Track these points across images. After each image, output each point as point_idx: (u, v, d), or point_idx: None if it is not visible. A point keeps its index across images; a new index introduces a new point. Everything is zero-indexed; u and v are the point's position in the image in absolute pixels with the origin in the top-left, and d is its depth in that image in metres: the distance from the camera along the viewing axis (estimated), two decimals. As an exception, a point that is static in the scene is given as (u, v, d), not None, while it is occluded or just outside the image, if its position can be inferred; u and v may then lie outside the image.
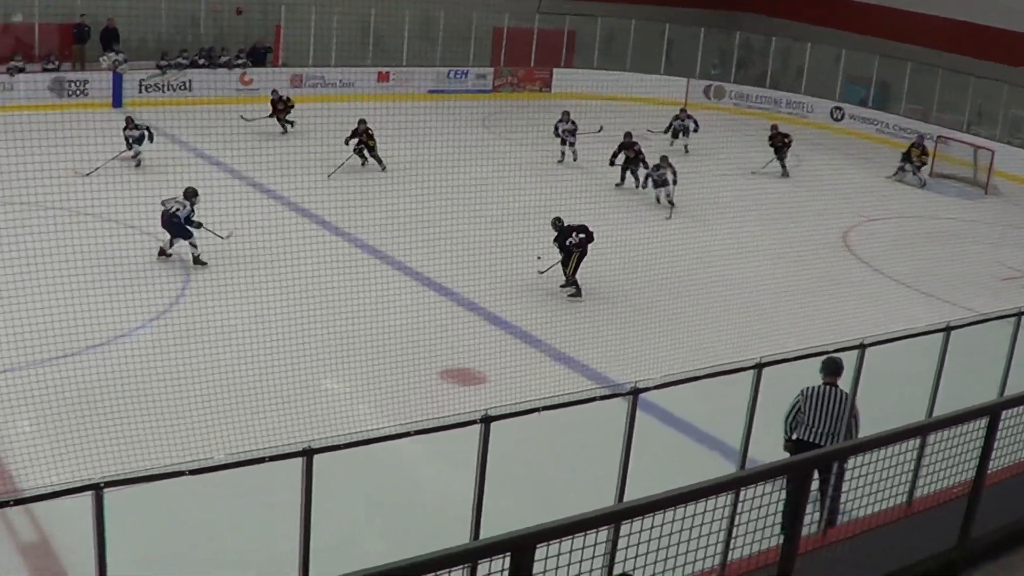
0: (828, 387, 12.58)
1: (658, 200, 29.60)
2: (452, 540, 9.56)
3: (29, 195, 22.73)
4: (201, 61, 42.07)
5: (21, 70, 38.44)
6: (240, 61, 42.62)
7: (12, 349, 16.87)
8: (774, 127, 35.17)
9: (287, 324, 18.41)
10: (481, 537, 9.82)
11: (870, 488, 8.52)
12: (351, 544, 12.46)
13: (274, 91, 37.30)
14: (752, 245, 26.04)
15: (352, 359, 17.93)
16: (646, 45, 47.85)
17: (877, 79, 45.24)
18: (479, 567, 5.56)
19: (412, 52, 44.95)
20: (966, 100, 42.74)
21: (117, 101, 38.96)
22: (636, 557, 6.89)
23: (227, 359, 16.91)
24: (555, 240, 22.30)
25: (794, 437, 12.67)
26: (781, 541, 7.34)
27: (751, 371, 10.68)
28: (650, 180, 29.84)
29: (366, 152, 31.33)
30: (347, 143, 30.59)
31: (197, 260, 22.08)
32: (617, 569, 7.27)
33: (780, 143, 34.30)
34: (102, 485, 8.23)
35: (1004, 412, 8.66)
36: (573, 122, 34.06)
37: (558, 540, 5.29)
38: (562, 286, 22.32)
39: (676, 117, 38.13)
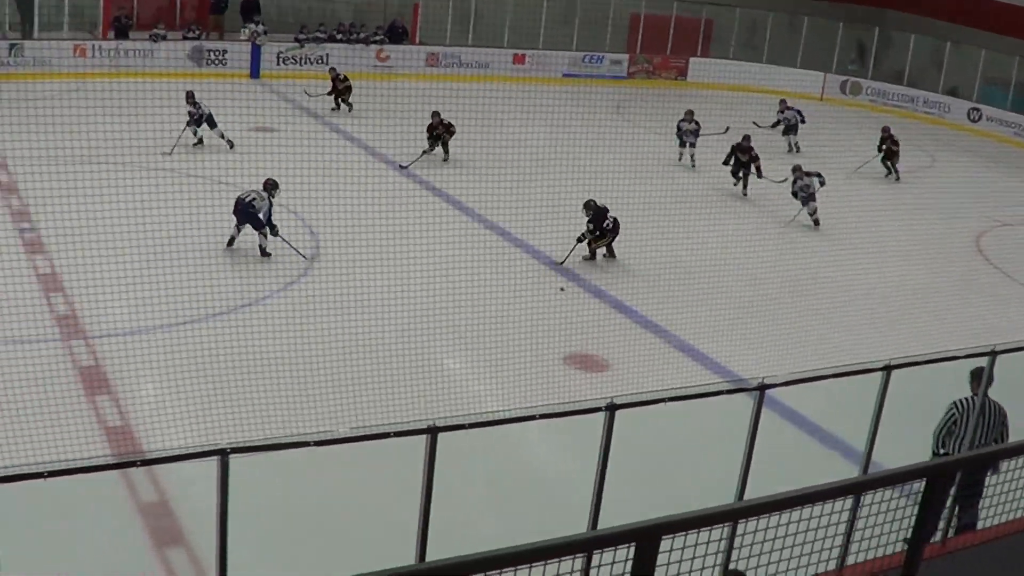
0: (983, 399, 12.27)
1: (795, 217, 26.81)
2: (568, 527, 9.58)
3: (167, 162, 23.13)
4: (339, 36, 42.44)
5: (163, 38, 39.01)
6: (377, 38, 42.90)
7: (142, 313, 17.18)
8: (885, 129, 33.81)
9: (414, 302, 18.48)
10: (599, 526, 9.82)
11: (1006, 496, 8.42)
12: (469, 524, 12.47)
13: (332, 68, 36.72)
14: (882, 246, 25.68)
15: (477, 340, 18.00)
16: (783, 37, 47.35)
17: (1017, 81, 44.25)
18: (595, 556, 5.55)
19: (549, 35, 44.92)
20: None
21: (255, 72, 39.44)
22: (751, 556, 6.85)
23: (351, 333, 17.03)
24: (590, 221, 22.38)
25: (942, 451, 12.36)
26: (903, 548, 7.24)
27: (879, 373, 10.56)
28: (798, 195, 26.75)
29: (439, 143, 29.75)
30: (431, 149, 29.44)
31: (263, 251, 21.34)
32: (730, 566, 7.24)
33: (889, 147, 33.24)
34: (228, 451, 8.32)
35: None
36: (696, 122, 32.03)
37: (683, 533, 5.28)
38: (585, 258, 22.56)
39: (781, 111, 36.05)
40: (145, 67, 36.56)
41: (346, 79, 35.24)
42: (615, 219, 22.36)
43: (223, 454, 8.32)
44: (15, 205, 23.01)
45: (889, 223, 27.25)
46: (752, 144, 29.24)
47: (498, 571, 4.68)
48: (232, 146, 28.27)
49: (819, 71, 46.50)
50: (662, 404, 9.76)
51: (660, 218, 22.31)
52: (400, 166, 28.11)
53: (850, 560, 8.54)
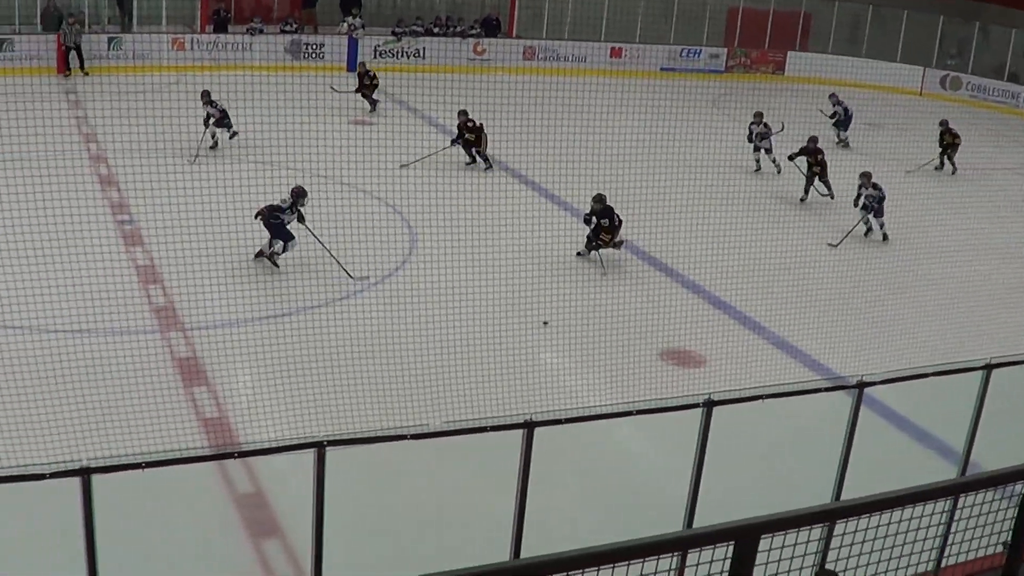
0: None
1: (868, 230, 25.28)
2: (662, 523, 9.55)
3: (265, 154, 23.29)
4: (435, 29, 42.58)
5: (260, 31, 39.36)
6: (474, 31, 43.02)
7: (239, 305, 17.33)
8: (943, 123, 32.59)
9: (511, 295, 18.49)
10: (695, 523, 9.79)
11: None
12: (564, 518, 12.47)
13: (362, 64, 35.24)
14: (978, 243, 25.32)
15: (574, 334, 17.97)
16: (883, 31, 46.84)
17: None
18: (690, 555, 5.52)
19: (646, 29, 44.79)
20: None
21: (351, 65, 39.63)
22: (849, 557, 6.76)
23: (447, 326, 17.08)
24: (600, 216, 21.46)
25: None
26: (1003, 550, 7.14)
27: (979, 372, 10.43)
28: (861, 205, 25.15)
29: (473, 149, 28.23)
30: (454, 143, 27.96)
31: (273, 258, 19.95)
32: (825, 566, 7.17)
33: (949, 142, 32.39)
34: (325, 443, 8.37)
35: None
36: (766, 124, 30.07)
37: (783, 532, 5.23)
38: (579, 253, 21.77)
39: (834, 104, 34.75)
40: (242, 60, 36.87)
41: (374, 76, 33.95)
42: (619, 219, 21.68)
43: (320, 447, 8.38)
44: (115, 198, 23.29)
45: (981, 221, 26.83)
46: (821, 148, 27.95)
47: (595, 568, 4.66)
48: (236, 134, 27.31)
49: (919, 66, 45.94)
50: (759, 401, 9.70)
51: (756, 214, 22.19)
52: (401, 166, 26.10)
53: (948, 561, 8.42)
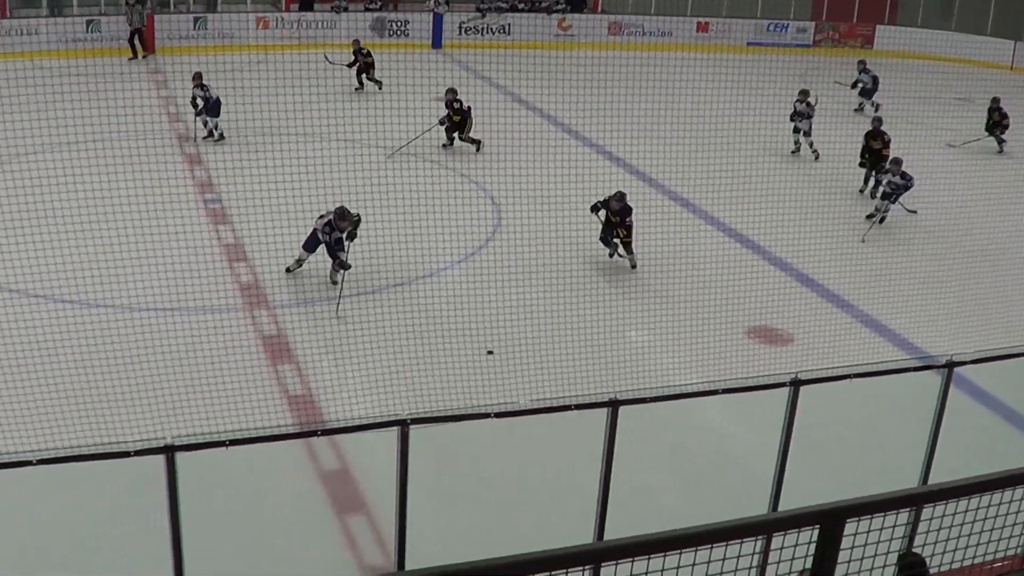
0: None
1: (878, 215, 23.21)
2: (747, 502, 9.48)
3: (348, 132, 23.35)
4: (520, 5, 42.49)
5: (345, 9, 39.47)
6: (559, 6, 42.89)
7: (323, 283, 17.42)
8: (995, 100, 31.31)
9: (596, 272, 18.45)
10: (781, 502, 9.71)
11: None
12: (647, 495, 12.44)
13: (356, 41, 33.07)
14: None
15: (660, 311, 17.89)
16: (974, 4, 46.17)
17: None
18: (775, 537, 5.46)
19: (732, 3, 44.49)
20: None
21: (436, 42, 39.69)
22: (937, 542, 6.66)
23: (532, 303, 17.06)
24: (616, 213, 19.68)
25: None
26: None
27: (1077, 352, 10.28)
28: (881, 194, 23.61)
29: (454, 133, 26.80)
30: (441, 123, 26.46)
31: (298, 263, 18.40)
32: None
33: (998, 120, 31.53)
34: (408, 421, 8.38)
35: None
36: (809, 104, 28.19)
37: (869, 516, 5.15)
38: (621, 254, 20.08)
39: (860, 71, 33.92)
40: (328, 38, 36.97)
41: (369, 53, 32.43)
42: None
43: (403, 424, 8.39)
44: (201, 177, 23.45)
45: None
46: (885, 130, 25.69)
47: (678, 551, 4.61)
48: (223, 138, 26.08)
49: (1010, 40, 45.24)
50: (847, 380, 9.60)
51: (840, 191, 21.96)
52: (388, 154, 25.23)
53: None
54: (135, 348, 14.75)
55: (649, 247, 19.37)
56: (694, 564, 4.85)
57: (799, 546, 5.02)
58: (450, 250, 19.23)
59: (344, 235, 17.73)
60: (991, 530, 6.68)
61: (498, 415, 8.90)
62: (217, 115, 26.24)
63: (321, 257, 17.89)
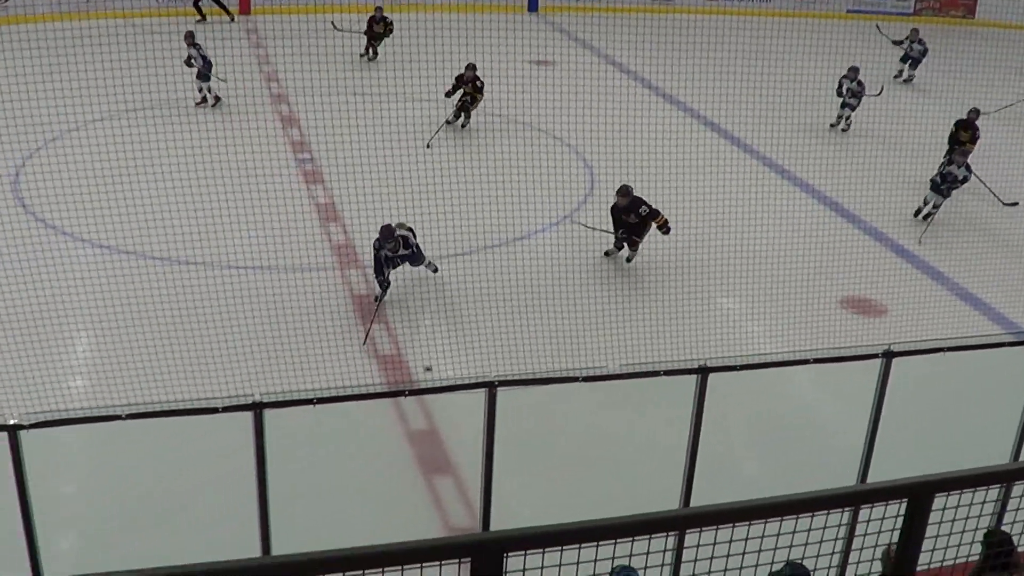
0: None
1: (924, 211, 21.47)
2: (833, 474, 9.40)
3: (438, 94, 23.35)
4: (620, -32, 42.16)
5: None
6: (659, -30, 42.53)
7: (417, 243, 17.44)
8: None
9: (689, 238, 18.36)
10: (869, 476, 9.63)
11: None
12: (729, 464, 12.38)
13: (378, 8, 31.75)
14: None
15: (753, 279, 17.76)
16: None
17: None
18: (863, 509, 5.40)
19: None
20: None
21: (533, 5, 39.51)
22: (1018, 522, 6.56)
23: (623, 268, 17.02)
24: (626, 208, 18.31)
25: None
26: None
27: None
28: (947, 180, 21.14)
29: (466, 107, 25.27)
30: (448, 95, 24.99)
31: (382, 288, 16.49)
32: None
33: None
34: (496, 383, 8.39)
35: None
36: (860, 82, 27.00)
37: (958, 492, 5.08)
38: (628, 260, 18.69)
39: (910, 39, 32.88)
40: (425, 1, 36.97)
41: (390, 23, 31.17)
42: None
43: (491, 386, 8.39)
44: (295, 137, 23.56)
45: None
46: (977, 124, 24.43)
47: (763, 520, 4.56)
48: (218, 101, 25.36)
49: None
50: (940, 353, 9.48)
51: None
52: (427, 145, 23.37)
53: None
54: (227, 305, 14.86)
55: (745, 215, 19.22)
56: (778, 534, 4.80)
57: (886, 519, 4.96)
58: (542, 214, 19.19)
59: (394, 252, 16.35)
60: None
61: (586, 379, 8.89)
62: (208, 79, 25.16)
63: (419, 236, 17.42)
